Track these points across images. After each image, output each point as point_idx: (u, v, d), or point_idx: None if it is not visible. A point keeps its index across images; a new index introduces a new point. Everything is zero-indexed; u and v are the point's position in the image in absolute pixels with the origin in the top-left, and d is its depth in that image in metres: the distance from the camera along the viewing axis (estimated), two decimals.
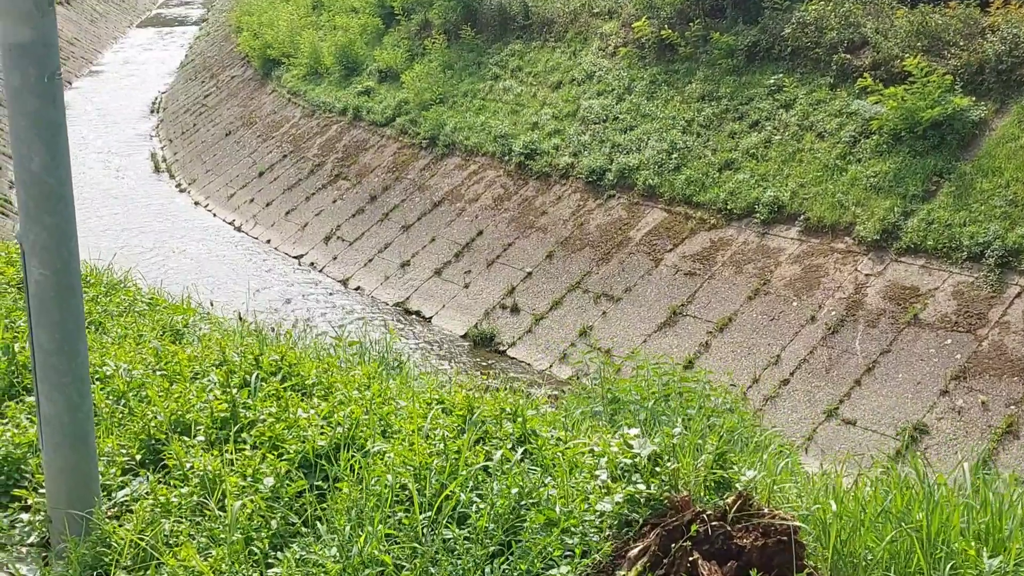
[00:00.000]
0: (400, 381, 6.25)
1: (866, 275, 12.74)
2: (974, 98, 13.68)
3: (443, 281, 16.65)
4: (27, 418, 5.04)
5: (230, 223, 22.11)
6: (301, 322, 15.51)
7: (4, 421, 5.10)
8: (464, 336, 15.24)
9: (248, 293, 17.64)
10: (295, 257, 19.53)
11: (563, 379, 13.60)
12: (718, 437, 4.07)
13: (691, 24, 17.81)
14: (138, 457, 4.72)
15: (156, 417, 4.93)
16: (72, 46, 46.03)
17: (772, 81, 16.06)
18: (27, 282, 2.74)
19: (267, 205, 21.97)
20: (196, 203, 23.94)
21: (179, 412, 5.02)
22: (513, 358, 14.43)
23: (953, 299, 11.88)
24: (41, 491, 4.27)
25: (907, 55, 14.45)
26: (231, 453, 4.51)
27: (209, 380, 5.59)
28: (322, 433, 4.58)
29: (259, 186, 23.04)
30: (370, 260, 18.20)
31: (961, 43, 14.29)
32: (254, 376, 5.44)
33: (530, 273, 15.77)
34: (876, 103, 14.26)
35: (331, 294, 17.61)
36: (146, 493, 4.26)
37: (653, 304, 14.07)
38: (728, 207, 14.67)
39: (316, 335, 9.09)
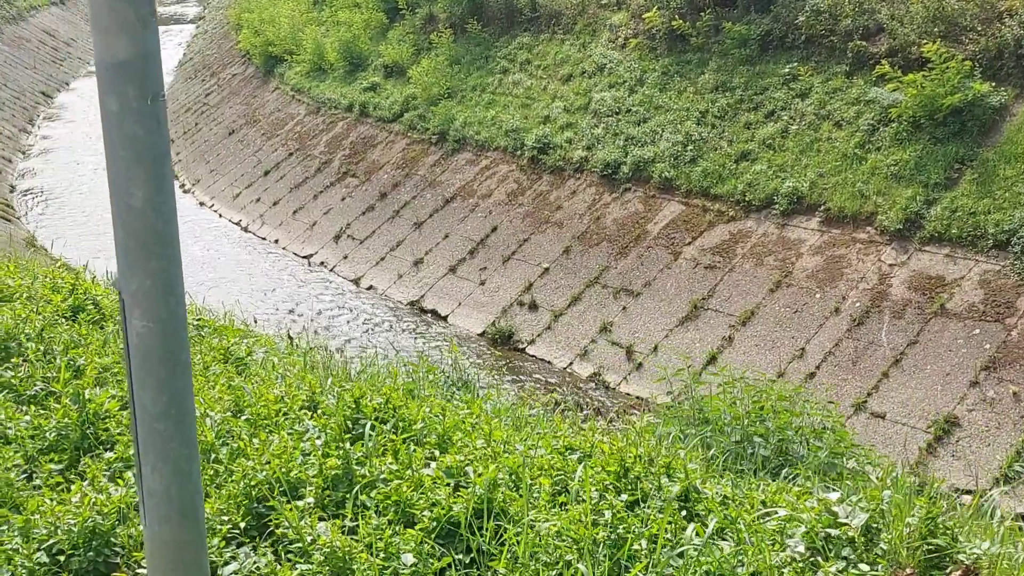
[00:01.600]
0: (509, 418, 5.80)
1: (890, 265, 12.61)
2: (994, 83, 13.53)
3: (458, 278, 16.51)
4: (107, 477, 4.55)
5: (236, 223, 21.95)
6: (348, 340, 15.42)
7: (83, 483, 4.48)
8: (482, 334, 15.10)
9: (262, 294, 17.50)
10: (305, 257, 19.38)
11: (584, 376, 13.48)
12: (928, 499, 3.63)
13: (702, 14, 17.64)
14: (242, 524, 4.19)
15: (257, 475, 4.36)
16: (69, 47, 45.79)
17: (787, 70, 15.90)
18: (127, 335, 2.43)
19: (274, 204, 21.80)
20: (201, 204, 23.77)
21: (282, 469, 4.44)
22: (533, 356, 14.30)
23: (980, 288, 11.75)
24: (140, 571, 3.89)
25: (924, 41, 14.30)
26: (351, 518, 4.02)
27: (304, 427, 5.03)
28: (455, 493, 4.10)
29: (265, 185, 22.87)
30: (382, 258, 18.05)
31: (979, 28, 14.13)
32: (367, 427, 4.86)
33: (547, 269, 15.63)
34: (894, 91, 14.11)
35: (343, 294, 17.47)
36: (257, 568, 3.80)
37: (674, 298, 13.94)
38: (746, 199, 14.52)
39: (379, 357, 8.81)
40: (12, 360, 5.91)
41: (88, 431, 5.01)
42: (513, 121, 18.97)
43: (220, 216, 22.56)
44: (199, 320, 9.00)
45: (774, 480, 4.81)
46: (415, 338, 15.24)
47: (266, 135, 25.27)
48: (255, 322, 11.16)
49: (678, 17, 17.89)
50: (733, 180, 14.89)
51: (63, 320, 7.02)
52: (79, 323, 6.92)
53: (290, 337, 10.41)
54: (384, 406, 5.18)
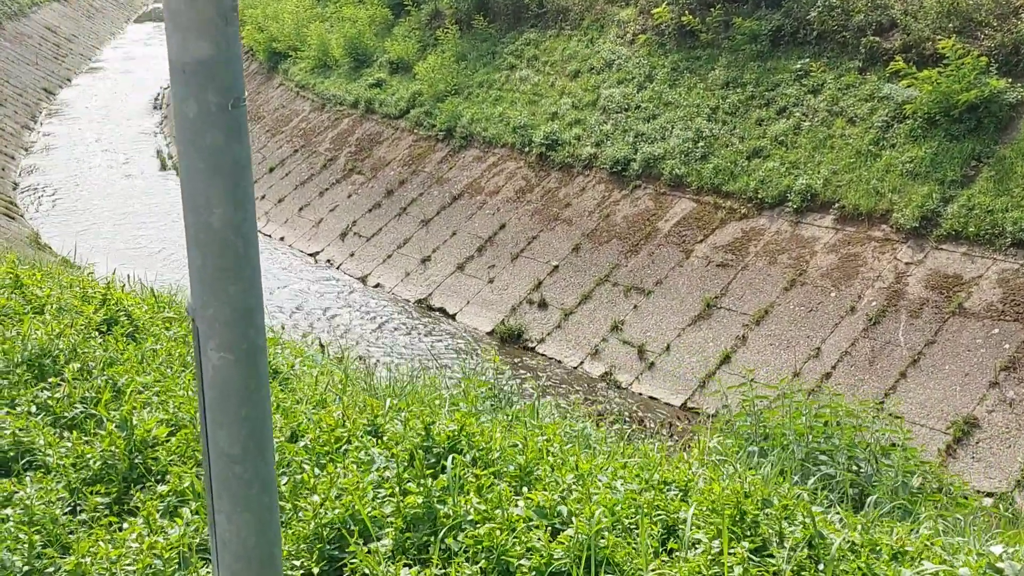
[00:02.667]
0: (584, 446, 5.44)
1: (906, 264, 12.46)
2: (1010, 80, 13.37)
3: (466, 276, 16.36)
4: (161, 513, 4.16)
5: None
6: (358, 339, 15.26)
7: (136, 521, 4.08)
8: (491, 333, 14.95)
9: (268, 293, 17.36)
10: (311, 254, 19.23)
11: (595, 376, 13.34)
12: None
13: (712, 9, 17.48)
14: (315, 570, 3.77)
15: (327, 513, 3.95)
16: (71, 43, 45.62)
17: (798, 66, 15.74)
18: (201, 368, 2.19)
19: (279, 201, 21.65)
20: None
21: (352, 506, 3.96)
22: (543, 355, 14.15)
23: (998, 287, 11.60)
24: None
25: (938, 37, 14.14)
26: (438, 566, 3.67)
27: (370, 456, 4.58)
28: (554, 538, 3.72)
29: (270, 182, 22.71)
30: (389, 256, 17.90)
31: (994, 23, 13.97)
32: (449, 459, 4.38)
33: (556, 267, 15.48)
34: (908, 87, 13.95)
35: (350, 292, 17.32)
36: None
37: (685, 297, 13.79)
38: (759, 196, 14.37)
39: (401, 361, 8.53)
40: (49, 380, 5.52)
41: (136, 460, 4.63)
42: (520, 117, 18.81)
43: None
44: None
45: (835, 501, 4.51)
46: (424, 337, 15.09)
47: (270, 132, 25.11)
48: (281, 329, 10.93)
49: (688, 13, 17.73)
50: (745, 177, 14.73)
51: (96, 333, 6.59)
52: (114, 337, 6.55)
53: (321, 344, 10.18)
54: (458, 434, 4.76)
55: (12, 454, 4.69)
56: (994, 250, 11.92)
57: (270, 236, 20.56)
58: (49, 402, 5.23)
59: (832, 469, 5.11)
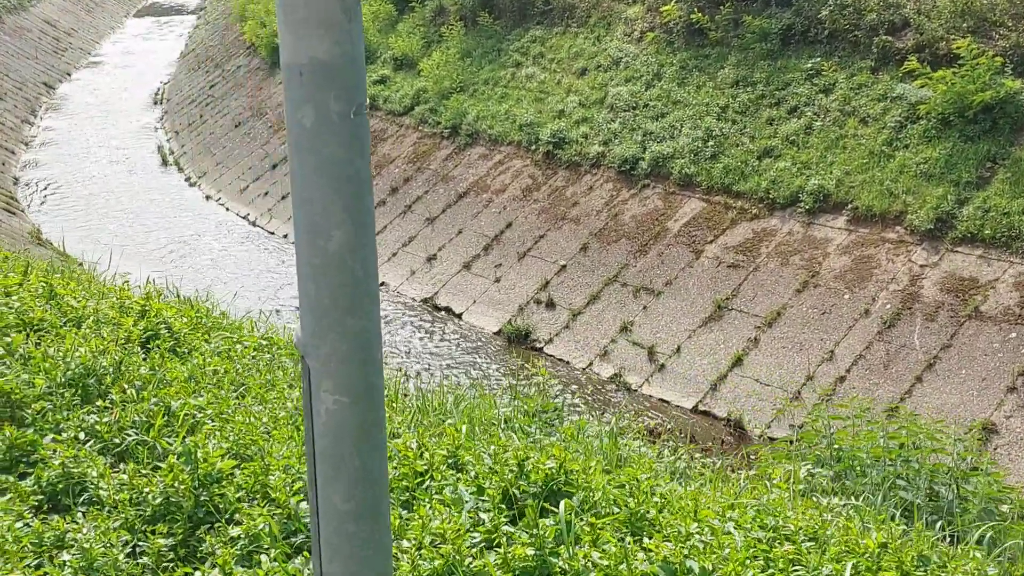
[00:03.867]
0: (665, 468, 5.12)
1: (921, 266, 12.31)
2: None
3: (472, 275, 16.19)
4: (237, 561, 3.79)
5: (244, 217, 21.62)
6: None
7: (207, 569, 3.73)
8: (498, 333, 14.80)
9: (273, 290, 17.19)
10: None
11: (605, 377, 13.18)
12: None
13: (721, 7, 17.31)
14: None
15: (425, 563, 3.61)
16: (70, 37, 45.39)
17: (809, 65, 15.58)
18: (312, 412, 1.94)
19: (283, 199, 21.46)
20: (207, 197, 23.43)
21: (455, 555, 3.60)
22: (551, 355, 13.99)
23: (1015, 290, 11.46)
24: None
25: (952, 37, 13.99)
26: None
27: (455, 494, 4.18)
28: None
29: (273, 179, 22.53)
30: (394, 254, 17.73)
31: (1009, 23, 13.82)
32: (561, 507, 3.91)
33: (564, 266, 15.32)
34: (922, 87, 13.80)
35: None
36: None
37: (696, 298, 13.64)
38: (770, 196, 14.22)
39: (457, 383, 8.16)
40: (97, 403, 5.08)
41: (204, 498, 4.16)
42: (527, 115, 18.64)
43: (227, 210, 22.23)
44: (270, 339, 7.83)
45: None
46: (431, 336, 14.93)
47: (273, 128, 24.92)
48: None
49: (697, 10, 17.57)
50: (756, 177, 14.57)
51: (138, 349, 6.16)
52: (158, 353, 6.11)
53: None
54: (557, 471, 4.25)
55: (62, 487, 4.28)
56: (1011, 253, 11.78)
57: (273, 233, 20.39)
58: (97, 427, 4.79)
59: (911, 494, 4.83)
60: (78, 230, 20.80)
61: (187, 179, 25.00)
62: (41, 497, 4.22)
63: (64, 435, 4.65)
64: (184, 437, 4.66)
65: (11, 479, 4.28)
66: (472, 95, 20.48)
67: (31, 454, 4.50)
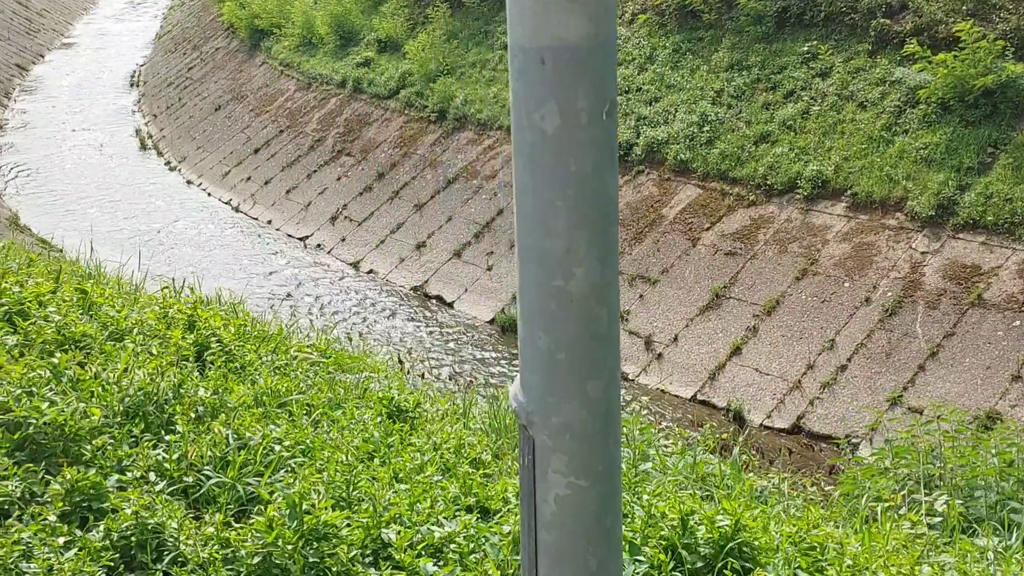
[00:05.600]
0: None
1: (922, 253, 12.16)
2: None
3: (463, 263, 15.91)
4: None
5: (227, 203, 21.19)
6: (358, 328, 14.79)
7: None
8: (491, 322, 14.54)
9: (258, 278, 16.85)
10: (300, 239, 18.70)
11: None
12: None
13: None
14: None
15: None
16: (43, 17, 44.50)
17: (805, 48, 15.36)
18: (535, 498, 1.58)
19: (266, 183, 21.06)
20: (188, 182, 22.97)
21: None
22: None
23: (1019, 278, 11.32)
24: None
25: (951, 20, 13.80)
26: None
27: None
28: None
29: (255, 163, 22.10)
30: (382, 241, 17.41)
31: (1009, 6, 13.65)
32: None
33: None
34: (921, 71, 13.62)
35: (343, 278, 16.83)
36: None
37: (693, 286, 13.43)
38: (767, 182, 14.01)
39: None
40: (160, 433, 4.47)
41: (310, 554, 3.58)
42: None
43: (209, 195, 21.79)
44: (323, 349, 7.06)
45: None
46: (423, 326, 14.66)
47: (254, 111, 24.46)
48: (359, 337, 10.17)
49: None
50: (753, 163, 14.36)
51: (192, 366, 5.49)
52: (216, 372, 5.47)
53: (400, 361, 9.55)
54: (733, 531, 3.69)
55: (136, 540, 3.67)
56: (1014, 240, 11.64)
57: (257, 219, 20.01)
58: (166, 464, 4.17)
59: None
60: (57, 216, 20.33)
61: (167, 164, 24.51)
62: (115, 555, 3.60)
63: (129, 474, 4.07)
64: (268, 477, 4.11)
65: (76, 530, 3.65)
66: (459, 78, 20.13)
67: (95, 498, 3.85)
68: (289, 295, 16.11)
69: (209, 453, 4.24)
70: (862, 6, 15.05)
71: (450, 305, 15.27)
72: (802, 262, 12.86)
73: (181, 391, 4.71)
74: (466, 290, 15.37)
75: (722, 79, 15.97)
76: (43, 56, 38.86)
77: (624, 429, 5.53)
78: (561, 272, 1.46)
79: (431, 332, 14.56)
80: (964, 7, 13.94)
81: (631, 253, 14.39)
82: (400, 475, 4.38)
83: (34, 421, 4.07)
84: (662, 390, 12.26)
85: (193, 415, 4.57)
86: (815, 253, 12.87)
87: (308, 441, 4.51)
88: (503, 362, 13.39)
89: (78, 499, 3.81)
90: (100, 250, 17.31)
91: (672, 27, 17.67)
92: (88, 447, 4.14)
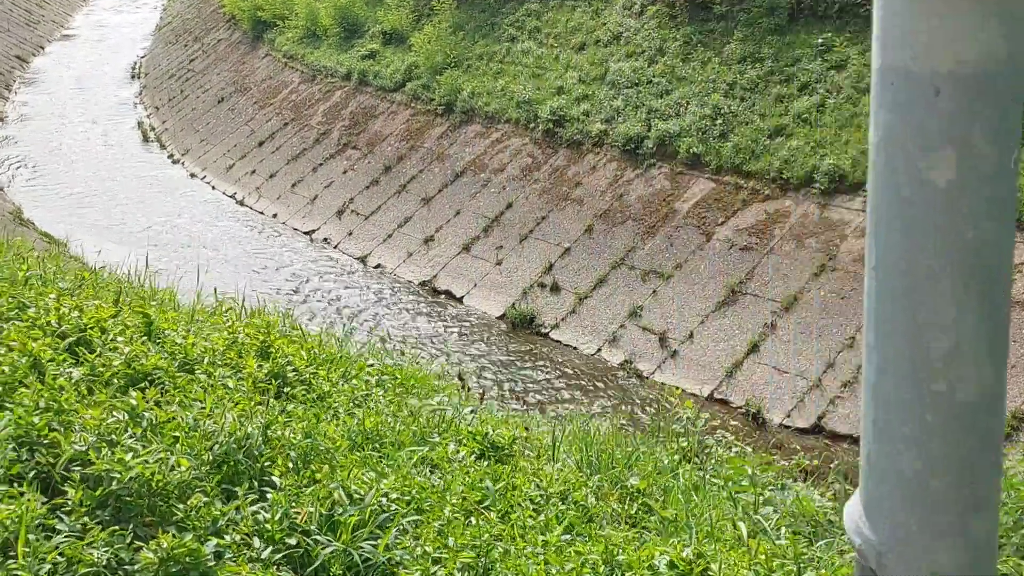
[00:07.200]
0: None
1: None
2: None
3: (472, 258, 15.71)
4: None
5: (231, 196, 20.97)
6: (371, 324, 14.60)
7: None
8: (501, 317, 14.35)
9: (266, 273, 16.65)
10: (306, 232, 18.49)
11: (614, 364, 12.79)
12: None
13: None
14: None
15: None
16: (42, 9, 44.19)
17: (820, 40, 15.14)
18: None
19: (271, 177, 20.84)
20: (192, 175, 22.74)
21: None
22: (557, 341, 13.57)
23: None
24: None
25: None
26: None
27: None
28: None
29: (260, 156, 21.88)
30: (389, 235, 17.20)
31: None
32: None
33: (568, 249, 14.87)
34: None
35: (351, 273, 16.63)
36: None
37: (708, 281, 13.24)
38: (783, 176, 13.81)
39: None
40: (260, 488, 3.90)
41: None
42: (525, 92, 18.09)
43: (213, 188, 21.56)
44: (400, 374, 6.51)
45: None
46: (434, 321, 14.46)
47: (258, 104, 24.22)
48: (406, 345, 9.93)
49: None
50: (767, 156, 14.15)
51: (274, 401, 4.86)
52: (299, 408, 4.88)
53: (461, 379, 9.26)
54: None
55: None
56: None
57: (262, 213, 19.80)
58: (268, 526, 3.63)
59: None
60: (60, 209, 20.12)
61: (170, 156, 24.28)
62: None
63: (227, 537, 3.54)
64: (386, 544, 3.60)
65: None
66: (466, 71, 19.90)
67: (193, 567, 3.34)
68: (295, 291, 15.90)
69: (311, 508, 3.75)
70: None
71: (459, 300, 15.07)
72: (820, 258, 12.66)
73: (269, 433, 4.22)
74: (475, 285, 15.18)
75: (734, 71, 15.75)
76: (43, 48, 38.57)
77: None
78: (944, 374, 1.15)
79: (442, 327, 14.37)
80: None
81: (643, 248, 14.20)
82: (526, 533, 3.92)
83: (118, 475, 3.55)
84: (678, 388, 12.07)
85: (285, 461, 4.10)
86: (833, 248, 12.68)
87: (414, 492, 4.05)
88: (517, 363, 13.19)
89: (175, 570, 3.30)
90: (105, 245, 17.14)
91: (682, 19, 17.44)
92: (180, 506, 3.63)
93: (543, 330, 13.83)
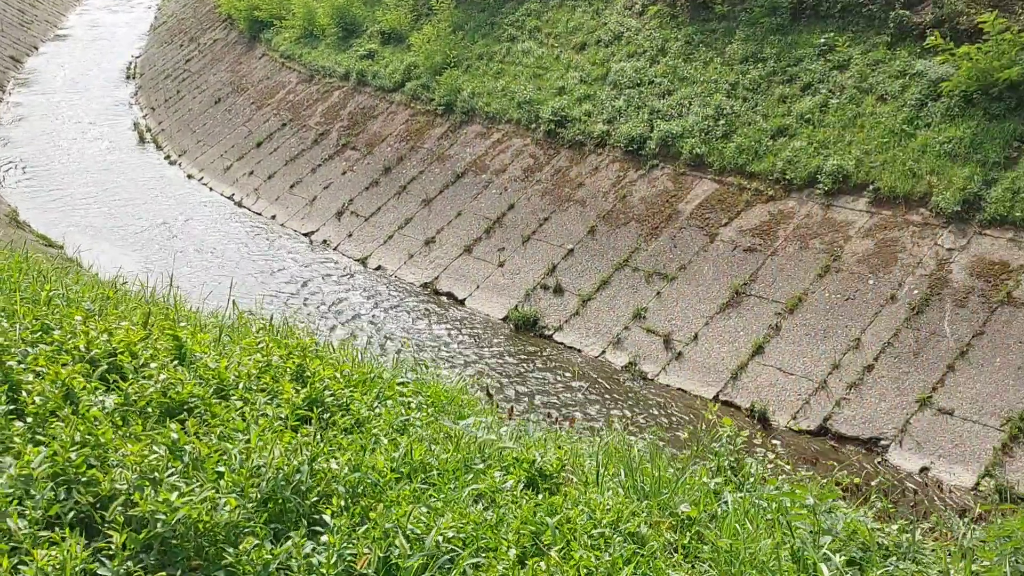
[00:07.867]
0: None
1: (948, 249, 11.92)
2: None
3: (474, 259, 15.62)
4: None
5: (229, 197, 20.86)
6: (374, 329, 14.49)
7: None
8: (504, 319, 14.27)
9: (265, 275, 16.55)
10: (305, 234, 18.39)
11: (619, 366, 12.71)
12: None
13: None
14: None
15: None
16: (35, 8, 43.98)
17: (822, 40, 15.09)
18: None
19: (269, 178, 20.73)
20: (189, 176, 22.62)
21: None
22: (561, 343, 13.49)
23: None
24: None
25: (972, 11, 13.54)
26: None
27: None
28: None
29: (258, 157, 21.77)
30: (390, 237, 17.11)
31: None
32: None
33: (571, 250, 14.79)
34: (943, 63, 13.36)
35: (351, 275, 16.52)
36: None
37: (712, 283, 13.17)
38: (786, 176, 13.75)
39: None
40: (311, 527, 3.73)
41: None
42: (526, 92, 18.01)
43: (211, 190, 21.45)
44: (420, 388, 6.27)
45: None
46: (436, 324, 14.37)
47: (256, 104, 24.10)
48: (433, 361, 9.84)
49: None
50: (771, 157, 14.10)
51: (304, 425, 4.69)
52: (343, 438, 4.66)
53: (489, 394, 9.08)
54: None
55: None
56: None
57: (260, 214, 19.69)
58: (323, 570, 3.47)
59: None
60: (56, 211, 19.99)
61: (167, 157, 24.16)
62: None
63: None
64: None
65: None
66: (466, 71, 19.81)
67: None
68: (295, 293, 15.80)
69: (367, 549, 3.57)
70: None
71: (461, 302, 14.99)
72: (824, 258, 12.61)
73: (314, 466, 4.03)
74: (478, 287, 15.09)
75: (737, 71, 15.69)
76: (37, 48, 38.41)
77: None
78: None
79: (444, 329, 14.28)
80: None
81: (647, 249, 14.13)
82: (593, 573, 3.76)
83: (163, 517, 3.39)
84: (682, 390, 12.01)
85: (335, 497, 3.92)
86: (837, 249, 12.63)
87: (470, 528, 3.88)
88: (525, 364, 13.10)
89: None
90: (102, 247, 17.03)
91: (684, 18, 17.38)
92: (230, 549, 3.45)
93: (547, 332, 13.75)
